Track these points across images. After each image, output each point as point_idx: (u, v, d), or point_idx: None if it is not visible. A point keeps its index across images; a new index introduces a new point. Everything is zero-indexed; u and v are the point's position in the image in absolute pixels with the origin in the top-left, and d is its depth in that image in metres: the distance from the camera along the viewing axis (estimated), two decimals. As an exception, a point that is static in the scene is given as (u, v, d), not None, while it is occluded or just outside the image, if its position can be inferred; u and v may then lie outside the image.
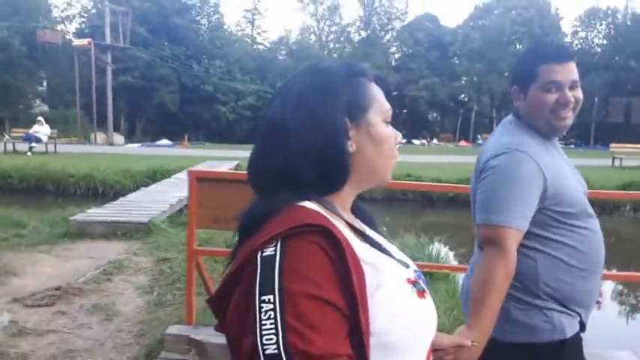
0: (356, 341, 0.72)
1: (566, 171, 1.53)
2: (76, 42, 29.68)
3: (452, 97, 53.11)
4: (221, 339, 2.79)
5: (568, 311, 1.49)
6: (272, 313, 0.67)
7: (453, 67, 52.38)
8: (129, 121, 43.51)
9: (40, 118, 18.96)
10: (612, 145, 19.76)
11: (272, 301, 0.68)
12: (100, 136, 33.03)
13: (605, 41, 50.06)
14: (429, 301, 0.83)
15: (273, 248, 0.71)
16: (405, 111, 54.91)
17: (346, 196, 0.87)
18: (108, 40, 29.63)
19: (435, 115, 60.62)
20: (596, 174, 14.98)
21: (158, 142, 36.29)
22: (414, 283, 0.81)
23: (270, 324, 0.67)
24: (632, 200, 12.03)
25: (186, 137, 33.70)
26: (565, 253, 1.47)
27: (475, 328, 1.39)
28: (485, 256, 1.44)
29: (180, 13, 43.08)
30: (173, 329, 2.99)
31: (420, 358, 0.82)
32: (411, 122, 54.50)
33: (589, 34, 50.81)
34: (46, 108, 45.72)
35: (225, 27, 50.71)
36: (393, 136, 0.88)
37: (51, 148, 18.30)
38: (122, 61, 38.57)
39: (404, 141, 47.50)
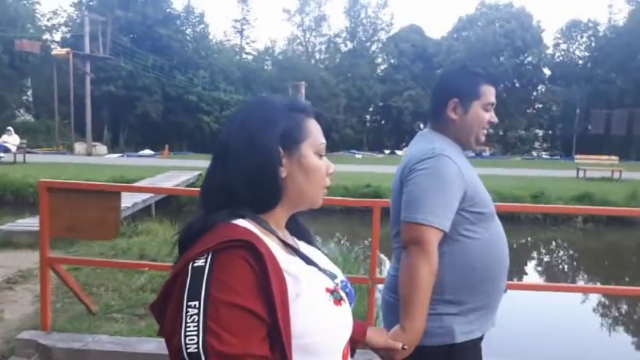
0: (277, 343, 0.81)
1: (476, 177, 1.62)
2: (55, 51, 29.68)
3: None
4: (68, 344, 2.84)
5: (466, 316, 1.54)
6: (196, 317, 0.77)
7: (436, 78, 52.67)
8: (112, 130, 43.35)
9: (9, 128, 18.98)
10: (576, 156, 20.06)
11: (197, 306, 0.77)
12: (81, 146, 32.92)
13: (586, 53, 50.73)
14: (345, 308, 0.92)
15: (204, 260, 0.81)
16: (387, 122, 55.28)
17: (280, 215, 0.97)
18: (87, 50, 29.63)
19: (421, 125, 61.09)
20: (555, 185, 15.21)
21: (141, 152, 36.25)
22: (332, 292, 0.90)
23: (194, 326, 0.76)
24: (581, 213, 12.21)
25: (167, 147, 33.63)
26: (470, 255, 1.53)
27: (408, 328, 1.43)
28: (409, 255, 1.48)
29: (165, 23, 43.11)
30: (25, 334, 3.05)
31: (336, 358, 0.91)
32: (396, 133, 54.81)
33: (570, 46, 51.48)
34: (29, 117, 45.65)
35: (211, 37, 50.81)
36: (324, 167, 1.00)
37: (20, 158, 18.29)
38: (105, 71, 38.57)
39: (387, 152, 48.32)
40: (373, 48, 59.05)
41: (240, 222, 0.89)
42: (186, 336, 0.76)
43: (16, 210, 11.00)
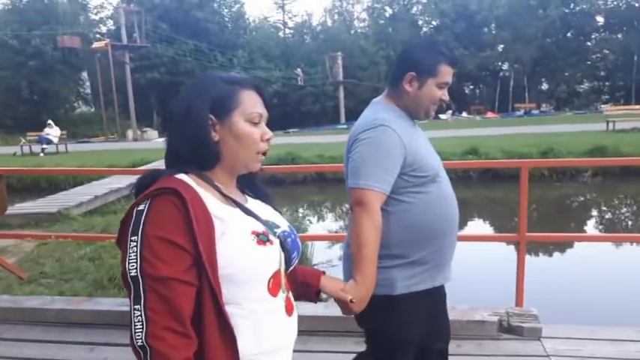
0: (203, 273, 0.99)
1: (422, 144, 1.76)
2: (96, 44, 31.36)
3: (481, 67, 51.68)
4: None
5: (410, 269, 1.70)
6: (135, 248, 0.97)
7: (480, 36, 50.83)
8: (162, 116, 45.29)
9: (50, 121, 20.45)
10: (605, 107, 19.02)
11: (136, 240, 0.97)
12: (132, 133, 34.77)
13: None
14: (269, 248, 1.09)
15: (144, 204, 1.00)
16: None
17: (221, 174, 1.14)
18: (125, 40, 31.06)
19: (471, 87, 59.27)
20: (573, 140, 14.71)
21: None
22: (257, 234, 1.08)
23: (134, 256, 0.97)
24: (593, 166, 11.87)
25: None
26: (414, 215, 1.68)
27: (359, 282, 1.58)
28: (355, 216, 1.64)
29: (201, 6, 44.09)
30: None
31: (260, 288, 1.09)
32: (450, 95, 53.44)
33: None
34: (87, 109, 48.42)
35: (247, 16, 51.37)
36: (257, 133, 1.14)
37: (62, 148, 19.81)
38: (148, 59, 40.21)
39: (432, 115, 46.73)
40: (413, 11, 57.51)
41: (181, 176, 1.07)
42: (129, 263, 0.97)
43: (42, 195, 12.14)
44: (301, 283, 1.40)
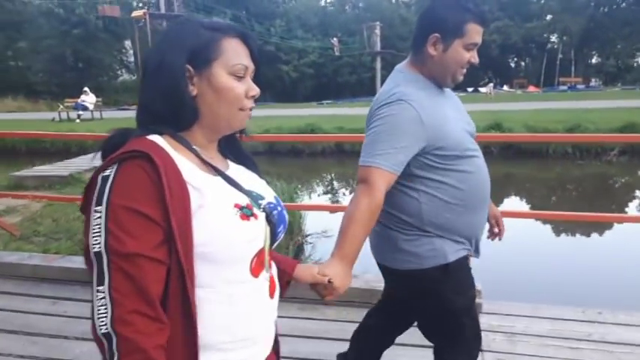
0: (173, 250, 0.86)
1: (449, 117, 1.60)
2: (134, 13, 31.98)
3: (527, 39, 49.70)
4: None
5: (451, 240, 1.64)
6: (99, 220, 0.84)
7: (527, 6, 48.74)
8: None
9: (85, 88, 21.09)
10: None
11: (101, 211, 0.84)
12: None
13: None
14: (253, 223, 0.96)
15: (110, 170, 0.87)
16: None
17: (200, 135, 1.01)
18: (162, 9, 31.52)
19: (516, 59, 57.26)
20: (605, 116, 14.12)
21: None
22: (241, 208, 0.95)
23: (98, 228, 0.84)
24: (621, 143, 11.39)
25: None
26: (445, 192, 1.59)
27: (337, 257, 1.46)
28: (356, 192, 1.54)
29: (239, -26, 44.04)
30: None
31: (241, 268, 0.97)
32: (483, 68, 52.02)
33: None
34: (129, 77, 49.66)
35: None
36: (240, 88, 0.99)
37: (97, 115, 20.49)
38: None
39: (470, 89, 45.85)
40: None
41: (153, 137, 0.94)
42: (92, 237, 0.84)
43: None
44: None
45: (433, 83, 1.63)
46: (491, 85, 39.83)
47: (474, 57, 1.59)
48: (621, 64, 47.19)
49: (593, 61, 50.42)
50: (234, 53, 0.98)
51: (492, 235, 1.99)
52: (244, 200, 0.98)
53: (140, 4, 44.40)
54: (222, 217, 0.92)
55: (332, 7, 52.35)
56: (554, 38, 50.44)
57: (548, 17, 47.09)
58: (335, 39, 44.40)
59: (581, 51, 47.37)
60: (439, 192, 1.59)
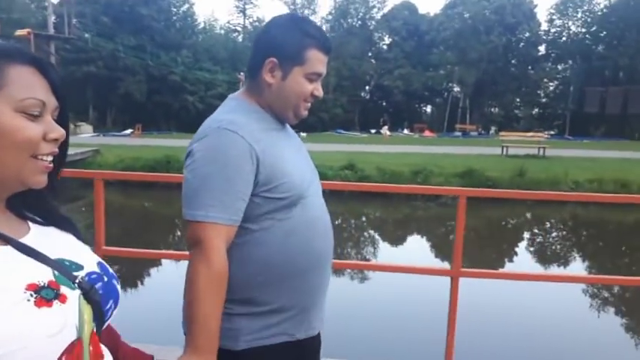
0: None
1: (287, 157, 1.36)
2: (18, 32, 30.31)
3: (426, 87, 52.69)
4: None
5: (264, 319, 1.30)
6: None
7: (428, 56, 51.84)
8: (99, 111, 44.24)
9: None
10: (501, 133, 19.66)
11: None
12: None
13: (582, 29, 48.98)
14: (57, 309, 0.72)
15: None
16: (378, 101, 54.94)
17: None
18: (51, 30, 30.15)
19: (422, 105, 60.21)
20: (452, 162, 14.98)
21: (123, 132, 37.22)
22: (37, 289, 0.71)
23: None
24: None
25: (137, 127, 35.08)
26: (267, 248, 1.29)
27: (191, 351, 1.18)
28: (190, 260, 1.23)
29: (146, 3, 43.39)
30: None
31: None
32: (387, 112, 54.36)
33: (565, 22, 49.74)
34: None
35: (196, 17, 51.00)
36: (31, 129, 0.76)
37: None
38: (85, 52, 39.11)
39: (373, 131, 47.49)
40: (365, 26, 58.30)
41: None
42: None
43: None
44: None
45: (272, 117, 1.38)
46: (386, 127, 41.55)
47: (317, 89, 1.38)
48: (509, 115, 51.06)
49: (491, 110, 54.19)
50: (24, 85, 0.76)
51: None
52: (45, 277, 0.73)
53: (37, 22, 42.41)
54: (7, 307, 0.67)
55: (242, 42, 52.82)
56: (457, 87, 53.77)
57: (446, 68, 50.17)
58: (242, 73, 44.58)
59: (477, 100, 50.70)
60: (258, 248, 1.28)
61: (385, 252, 9.16)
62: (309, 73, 1.35)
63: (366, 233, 10.89)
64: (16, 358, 0.67)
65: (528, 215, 12.44)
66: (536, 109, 52.20)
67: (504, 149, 18.04)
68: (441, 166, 13.65)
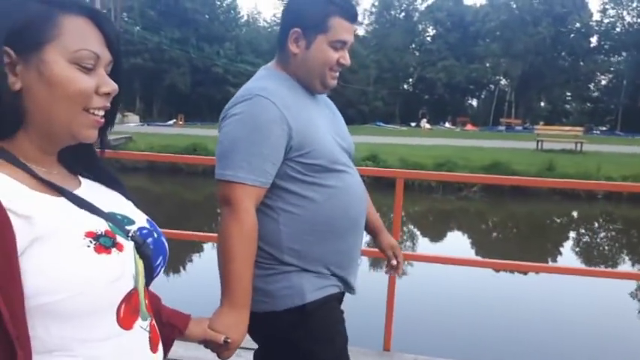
0: None
1: (318, 124, 1.39)
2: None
3: (470, 80, 51.52)
4: None
5: (314, 274, 1.37)
6: None
7: (472, 48, 50.63)
8: (145, 102, 45.77)
9: None
10: (537, 127, 18.97)
11: None
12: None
13: (638, 19, 46.58)
14: (116, 256, 0.72)
15: None
16: (420, 94, 54.13)
17: (30, 145, 0.75)
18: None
19: (467, 98, 59.00)
20: (479, 155, 14.68)
21: (168, 122, 38.50)
22: (96, 237, 0.71)
23: None
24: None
25: (180, 117, 36.30)
26: (309, 210, 1.35)
27: (225, 307, 1.24)
28: (221, 219, 1.29)
29: (192, -4, 44.47)
30: None
31: (103, 320, 0.72)
32: (429, 104, 53.49)
33: (620, 12, 47.44)
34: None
35: (239, 9, 51.77)
36: (84, 81, 0.74)
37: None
38: (132, 44, 40.61)
39: (413, 124, 46.77)
40: (409, 18, 57.49)
41: None
42: None
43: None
44: (165, 324, 1.00)
45: (302, 86, 1.41)
46: (425, 120, 40.91)
47: (343, 57, 1.38)
48: (556, 109, 49.26)
49: (539, 104, 52.45)
50: (79, 36, 0.73)
51: (391, 268, 1.71)
52: (101, 226, 0.74)
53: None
54: (68, 251, 0.68)
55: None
56: (503, 81, 52.36)
57: (491, 60, 48.91)
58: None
59: (523, 94, 49.22)
60: (300, 209, 1.34)
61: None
62: (334, 41, 1.35)
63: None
64: (76, 302, 0.67)
65: (565, 214, 12.07)
66: (587, 104, 50.13)
67: (539, 143, 17.50)
68: (467, 159, 13.42)
